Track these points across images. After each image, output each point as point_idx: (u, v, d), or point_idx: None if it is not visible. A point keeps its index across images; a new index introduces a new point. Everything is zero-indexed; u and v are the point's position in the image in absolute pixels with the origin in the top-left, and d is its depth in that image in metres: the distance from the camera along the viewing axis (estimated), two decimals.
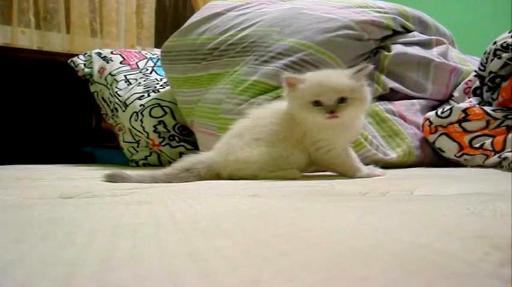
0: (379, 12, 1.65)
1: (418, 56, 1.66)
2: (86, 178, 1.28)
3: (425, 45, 1.72)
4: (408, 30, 1.72)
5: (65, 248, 0.35)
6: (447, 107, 1.50)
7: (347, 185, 0.85)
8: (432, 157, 1.52)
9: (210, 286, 0.26)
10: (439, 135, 1.47)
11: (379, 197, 0.68)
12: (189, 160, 1.07)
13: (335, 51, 1.51)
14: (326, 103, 0.99)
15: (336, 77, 1.01)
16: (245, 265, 0.29)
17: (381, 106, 1.55)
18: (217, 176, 1.07)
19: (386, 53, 1.64)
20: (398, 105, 1.58)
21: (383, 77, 1.61)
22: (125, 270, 0.28)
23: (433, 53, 1.71)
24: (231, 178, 1.05)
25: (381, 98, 1.59)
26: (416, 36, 1.73)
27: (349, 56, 1.55)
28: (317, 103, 1.00)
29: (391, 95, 1.61)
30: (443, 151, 1.47)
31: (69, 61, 2.18)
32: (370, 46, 1.62)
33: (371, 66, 1.03)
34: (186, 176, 1.03)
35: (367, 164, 1.14)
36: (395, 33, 1.69)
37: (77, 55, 2.20)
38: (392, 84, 1.61)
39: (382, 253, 0.31)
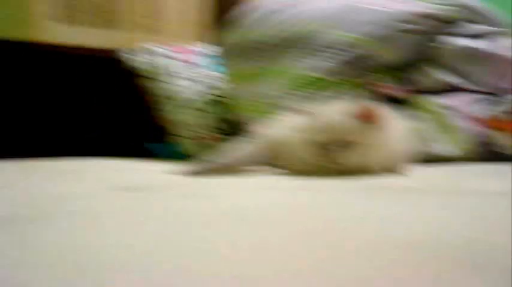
0: (438, 3, 1.61)
1: (476, 49, 1.61)
2: (140, 171, 1.32)
3: (488, 37, 1.67)
4: (470, 22, 1.67)
5: (117, 236, 0.37)
6: None
7: (402, 181, 0.84)
8: (490, 153, 1.48)
9: (261, 270, 0.27)
10: (501, 132, 1.42)
11: (435, 192, 0.67)
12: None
13: (389, 45, 1.49)
14: (327, 147, 0.89)
15: (342, 118, 0.90)
16: (293, 252, 0.30)
17: (437, 101, 1.52)
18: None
19: (442, 45, 1.59)
20: (455, 100, 1.54)
21: (439, 71, 1.57)
22: (169, 260, 0.30)
23: (497, 46, 1.65)
24: None
25: (437, 92, 1.55)
26: (476, 27, 1.67)
27: (403, 49, 1.52)
28: (319, 144, 0.91)
29: (447, 90, 1.57)
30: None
31: (123, 57, 2.24)
32: (426, 39, 1.58)
33: (374, 104, 0.91)
34: None
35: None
36: (456, 25, 1.64)
37: (131, 51, 2.27)
38: (448, 78, 1.57)
39: (435, 245, 0.31)
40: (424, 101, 1.53)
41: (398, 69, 1.55)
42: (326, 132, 0.89)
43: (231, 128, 1.79)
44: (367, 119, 0.89)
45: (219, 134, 1.79)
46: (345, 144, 0.88)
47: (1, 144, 2.18)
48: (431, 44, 1.61)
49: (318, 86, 1.47)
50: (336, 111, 0.92)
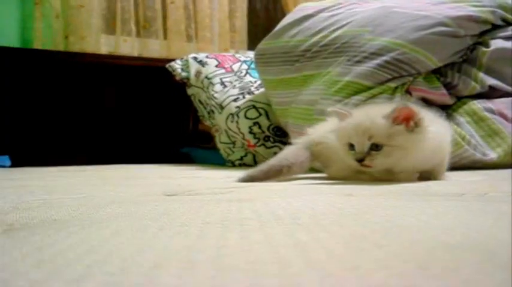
0: (476, 6, 1.59)
1: None
2: (186, 177, 1.36)
3: None
4: (509, 24, 1.65)
5: (182, 238, 0.39)
6: None
7: (443, 186, 0.84)
8: None
9: (312, 271, 0.29)
10: None
11: (477, 198, 0.67)
12: None
13: (429, 49, 1.48)
14: (357, 149, 0.89)
15: (372, 120, 0.89)
16: (344, 254, 0.32)
17: (479, 105, 1.50)
18: None
19: (484, 49, 1.58)
20: (498, 103, 1.52)
21: (481, 74, 1.55)
22: (236, 256, 0.32)
23: None
24: None
25: (479, 96, 1.54)
26: None
27: (444, 53, 1.51)
28: (352, 146, 0.91)
29: (490, 93, 1.55)
30: None
31: (167, 66, 2.30)
32: (467, 42, 1.57)
33: (411, 108, 0.89)
34: None
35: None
36: (495, 27, 1.62)
37: (174, 60, 2.32)
38: (491, 81, 1.55)
39: (474, 248, 0.32)
40: (467, 104, 1.51)
41: (439, 73, 1.54)
42: (357, 135, 0.89)
43: (272, 133, 1.81)
44: (401, 121, 0.88)
45: (259, 139, 1.81)
46: (377, 146, 0.88)
47: (57, 151, 2.27)
48: (472, 47, 1.59)
49: (356, 91, 1.47)
50: (371, 113, 0.92)
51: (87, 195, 0.84)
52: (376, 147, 0.87)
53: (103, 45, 2.52)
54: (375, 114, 0.90)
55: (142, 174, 1.53)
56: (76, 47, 2.39)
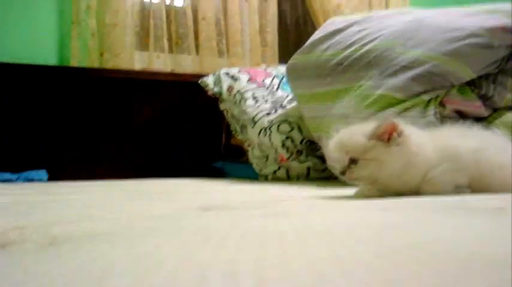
0: (510, 16, 1.57)
1: None
2: (220, 191, 1.37)
3: None
4: None
5: (222, 251, 0.41)
6: None
7: (482, 199, 0.83)
8: None
9: (349, 284, 0.30)
10: None
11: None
12: None
13: (463, 61, 1.47)
14: (337, 164, 0.95)
15: (349, 136, 0.95)
16: (379, 267, 0.33)
17: None
18: None
19: None
20: None
21: None
22: (275, 269, 0.33)
23: None
24: None
25: None
26: None
27: (478, 65, 1.50)
28: (336, 161, 0.96)
29: None
30: None
31: (199, 81, 2.33)
32: (501, 53, 1.54)
33: (392, 122, 0.92)
34: None
35: None
36: None
37: (206, 75, 2.36)
38: None
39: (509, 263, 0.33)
40: (503, 116, 1.49)
41: (473, 84, 1.52)
42: (336, 150, 0.94)
43: (305, 147, 1.82)
44: (388, 136, 0.91)
45: (292, 153, 1.82)
46: (353, 160, 0.92)
47: (92, 165, 2.33)
48: (507, 58, 1.57)
49: (389, 104, 1.47)
50: (352, 130, 0.97)
51: (124, 209, 0.87)
52: (353, 161, 0.92)
53: (137, 61, 2.58)
54: (355, 130, 0.96)
55: (176, 188, 1.56)
56: (110, 63, 2.45)
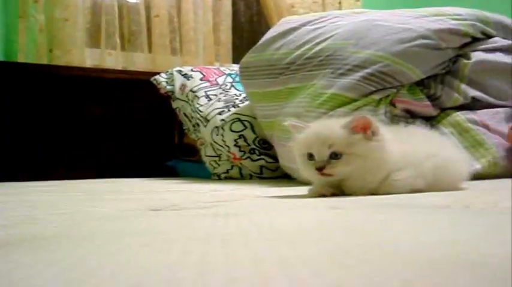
0: (457, 19, 1.62)
1: (500, 63, 1.61)
2: (171, 191, 1.35)
3: (508, 50, 1.67)
4: (489, 36, 1.67)
5: (164, 255, 0.38)
6: None
7: (429, 197, 0.84)
8: None
9: (292, 285, 0.28)
10: None
11: (462, 209, 0.67)
12: None
13: (412, 62, 1.50)
14: (317, 158, 0.90)
15: (331, 129, 0.91)
16: (328, 271, 0.31)
17: (463, 116, 1.51)
18: None
19: (465, 61, 1.60)
20: (481, 115, 1.54)
21: (464, 86, 1.57)
22: (219, 274, 0.32)
23: None
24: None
25: (462, 107, 1.55)
26: (498, 41, 1.67)
27: (427, 65, 1.53)
28: (311, 156, 0.92)
29: (473, 104, 1.57)
30: None
31: (151, 79, 2.29)
32: (449, 55, 1.59)
33: (368, 117, 0.91)
34: None
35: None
36: (475, 40, 1.64)
37: (158, 73, 2.32)
38: (473, 93, 1.57)
39: (459, 263, 0.32)
40: (451, 116, 1.53)
41: (422, 84, 1.56)
42: (317, 144, 0.90)
43: (257, 146, 1.81)
44: (360, 130, 0.90)
45: (244, 152, 1.81)
46: (336, 155, 0.89)
47: (40, 165, 2.25)
48: (454, 59, 1.61)
49: (341, 103, 1.48)
50: (329, 124, 0.94)
51: (70, 210, 0.83)
52: (335, 155, 0.89)
53: (88, 58, 2.50)
54: (333, 124, 0.93)
55: (127, 188, 1.52)
56: (61, 60, 2.38)
